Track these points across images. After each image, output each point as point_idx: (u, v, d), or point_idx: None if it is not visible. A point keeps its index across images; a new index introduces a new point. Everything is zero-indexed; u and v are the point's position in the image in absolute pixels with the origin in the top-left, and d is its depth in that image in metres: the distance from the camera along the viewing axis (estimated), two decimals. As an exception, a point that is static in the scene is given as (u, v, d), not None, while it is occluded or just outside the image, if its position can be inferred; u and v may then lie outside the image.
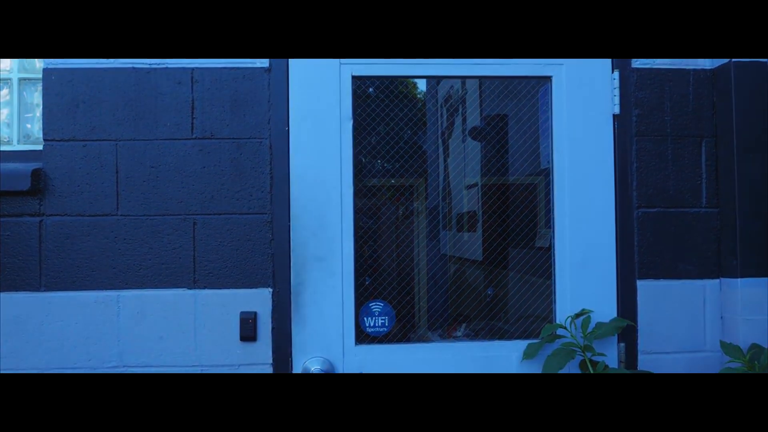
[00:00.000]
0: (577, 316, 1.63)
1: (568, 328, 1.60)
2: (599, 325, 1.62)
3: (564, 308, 1.69)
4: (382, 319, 1.70)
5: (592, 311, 1.65)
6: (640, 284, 1.69)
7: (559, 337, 1.61)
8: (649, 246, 1.70)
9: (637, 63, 1.71)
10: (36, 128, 1.76)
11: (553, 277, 1.71)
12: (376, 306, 1.71)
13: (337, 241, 1.65)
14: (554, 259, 1.71)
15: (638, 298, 1.69)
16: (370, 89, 1.74)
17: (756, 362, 1.53)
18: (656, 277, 1.70)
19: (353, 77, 1.68)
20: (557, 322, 1.66)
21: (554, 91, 1.72)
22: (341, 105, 1.67)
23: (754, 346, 1.59)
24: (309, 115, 1.66)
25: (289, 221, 1.65)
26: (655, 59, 1.71)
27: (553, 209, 1.72)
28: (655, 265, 1.70)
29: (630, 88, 1.71)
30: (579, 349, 1.56)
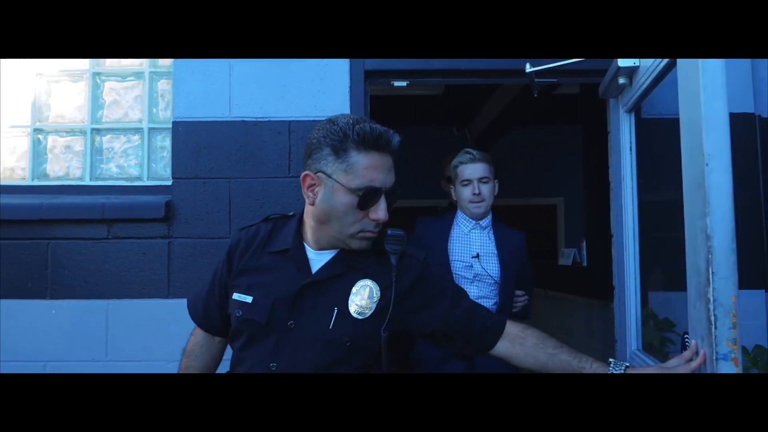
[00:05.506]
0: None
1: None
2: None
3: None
4: None
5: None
6: (652, 295, 2.00)
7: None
8: (653, 264, 2.03)
9: (645, 114, 2.07)
10: (160, 167, 2.18)
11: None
12: None
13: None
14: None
15: (649, 306, 2.02)
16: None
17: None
18: (664, 289, 2.01)
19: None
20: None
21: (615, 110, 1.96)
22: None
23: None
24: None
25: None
26: (661, 113, 2.07)
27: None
28: (662, 279, 2.02)
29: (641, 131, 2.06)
30: None
